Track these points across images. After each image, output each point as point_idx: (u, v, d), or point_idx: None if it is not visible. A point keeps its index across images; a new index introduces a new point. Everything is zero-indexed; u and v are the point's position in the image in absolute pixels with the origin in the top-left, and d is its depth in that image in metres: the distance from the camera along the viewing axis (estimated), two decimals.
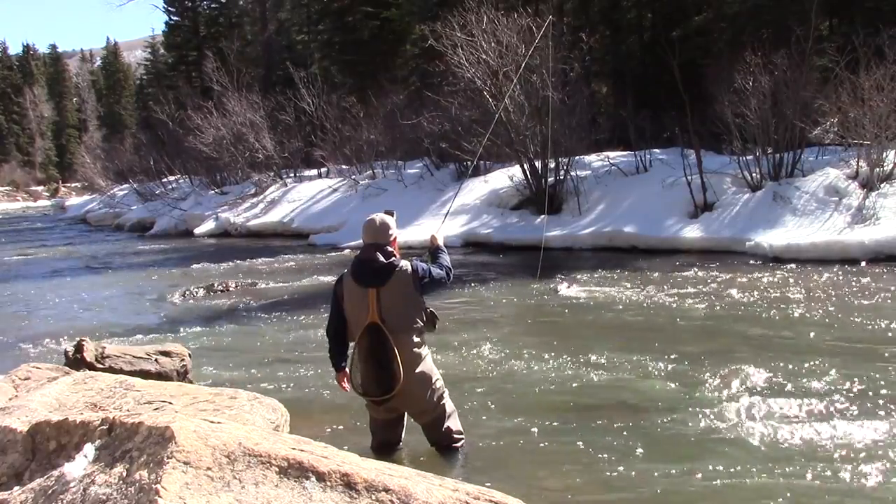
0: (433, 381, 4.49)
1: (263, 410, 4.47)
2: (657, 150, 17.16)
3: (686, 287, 9.73)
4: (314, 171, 25.78)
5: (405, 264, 4.43)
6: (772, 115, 13.90)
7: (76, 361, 6.00)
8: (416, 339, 4.42)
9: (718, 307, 8.56)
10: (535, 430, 5.01)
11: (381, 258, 4.43)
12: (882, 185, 12.62)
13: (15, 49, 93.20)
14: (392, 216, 4.68)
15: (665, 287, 9.80)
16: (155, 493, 2.35)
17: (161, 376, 5.93)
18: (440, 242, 4.91)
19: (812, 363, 6.10)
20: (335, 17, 31.37)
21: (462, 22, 16.36)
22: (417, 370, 4.41)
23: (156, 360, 6.18)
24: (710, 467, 4.27)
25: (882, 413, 4.95)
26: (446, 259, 4.72)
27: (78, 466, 2.60)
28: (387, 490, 2.55)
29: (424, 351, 4.49)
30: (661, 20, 25.19)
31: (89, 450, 2.67)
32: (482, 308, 9.47)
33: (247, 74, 29.74)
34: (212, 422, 2.82)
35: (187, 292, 11.69)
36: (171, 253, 18.96)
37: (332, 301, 4.55)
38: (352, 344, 4.47)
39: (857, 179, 13.01)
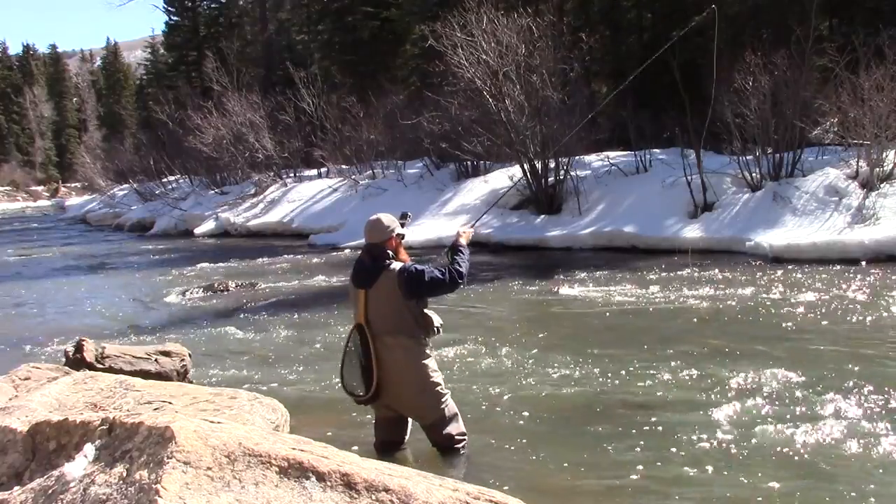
0: (430, 383, 4.46)
1: (263, 410, 4.47)
2: (657, 150, 17.15)
3: (686, 287, 9.73)
4: (314, 171, 25.77)
5: (394, 266, 4.39)
6: (772, 115, 13.90)
7: (76, 361, 6.00)
8: (406, 342, 4.39)
9: (718, 307, 8.55)
10: (535, 430, 5.01)
11: (370, 260, 4.43)
12: (882, 185, 12.61)
13: (15, 49, 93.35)
14: (406, 218, 4.68)
15: (665, 287, 9.80)
16: (155, 493, 2.35)
17: (161, 376, 5.93)
18: (462, 241, 4.66)
19: (813, 363, 6.10)
20: (335, 17, 31.35)
21: (462, 22, 16.35)
22: (408, 373, 4.39)
23: (156, 360, 6.18)
24: (711, 468, 4.27)
25: (883, 414, 4.95)
26: (460, 261, 4.47)
27: (78, 466, 2.60)
28: (387, 490, 2.55)
29: (420, 354, 4.45)
30: (661, 20, 25.19)
31: (89, 450, 2.67)
32: (482, 308, 9.46)
33: (247, 74, 29.75)
34: (212, 422, 2.82)
35: (187, 292, 11.69)
36: (171, 253, 18.96)
37: None
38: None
39: (857, 179, 13.00)
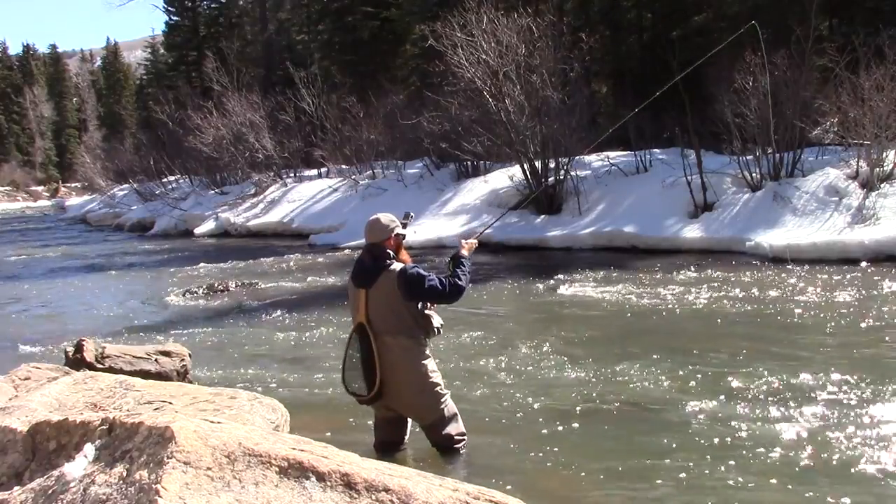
0: (428, 384, 4.45)
1: (263, 410, 4.47)
2: (657, 150, 17.15)
3: (686, 287, 9.73)
4: (314, 171, 25.78)
5: (395, 266, 4.39)
6: (772, 115, 13.90)
7: (76, 361, 6.00)
8: (405, 342, 4.39)
9: (718, 307, 8.56)
10: (535, 430, 5.00)
11: (370, 259, 4.44)
12: (882, 185, 12.61)
13: (15, 49, 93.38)
14: (408, 218, 4.68)
15: (665, 287, 9.79)
16: (155, 493, 2.34)
17: (161, 376, 5.93)
18: (465, 252, 4.56)
19: (812, 363, 6.10)
20: (335, 17, 31.36)
21: (462, 22, 16.36)
22: (407, 373, 4.39)
23: (156, 360, 6.18)
24: (710, 468, 4.27)
25: (882, 414, 4.95)
26: (460, 274, 4.41)
27: (78, 466, 2.60)
28: (387, 490, 2.55)
29: (420, 354, 4.45)
30: (661, 20, 25.20)
31: (89, 450, 2.67)
32: (482, 308, 9.46)
33: (247, 74, 29.75)
34: (212, 422, 2.82)
35: (187, 292, 11.69)
36: (171, 253, 18.96)
37: None
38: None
39: (857, 179, 13.00)
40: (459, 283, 4.39)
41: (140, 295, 12.41)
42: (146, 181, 31.25)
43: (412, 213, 4.82)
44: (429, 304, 4.50)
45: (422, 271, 4.39)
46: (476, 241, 4.81)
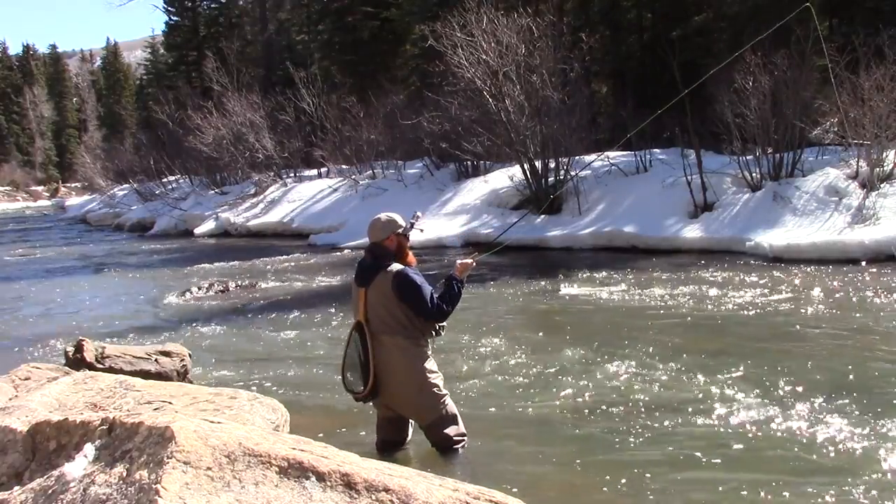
0: (427, 384, 4.45)
1: (263, 410, 4.46)
2: (657, 150, 17.14)
3: (686, 287, 9.72)
4: (314, 171, 25.79)
5: (393, 267, 4.39)
6: (772, 115, 13.89)
7: (76, 361, 6.00)
8: (403, 342, 4.39)
9: (718, 307, 8.56)
10: (535, 430, 5.01)
11: (371, 259, 4.46)
12: (882, 185, 12.61)
13: (15, 49, 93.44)
14: (415, 217, 4.68)
15: (665, 287, 9.79)
16: (155, 493, 2.34)
17: (161, 376, 5.93)
18: (457, 273, 4.52)
19: (813, 363, 6.10)
20: (335, 17, 31.37)
21: (462, 22, 16.36)
22: (405, 373, 4.39)
23: (156, 360, 6.18)
24: (711, 468, 4.27)
25: (883, 414, 4.95)
26: (448, 298, 4.39)
27: (78, 466, 2.60)
28: (387, 490, 2.55)
29: (418, 354, 4.44)
30: (661, 20, 25.20)
31: (89, 450, 2.66)
32: (482, 308, 9.46)
33: (247, 74, 29.77)
34: (212, 422, 2.82)
35: (187, 292, 11.68)
36: (171, 253, 18.96)
37: None
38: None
39: (857, 179, 13.00)
40: (444, 307, 4.38)
41: (140, 295, 12.41)
42: (146, 181, 31.27)
43: (419, 213, 4.82)
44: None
45: (419, 279, 4.38)
46: (472, 260, 4.73)
